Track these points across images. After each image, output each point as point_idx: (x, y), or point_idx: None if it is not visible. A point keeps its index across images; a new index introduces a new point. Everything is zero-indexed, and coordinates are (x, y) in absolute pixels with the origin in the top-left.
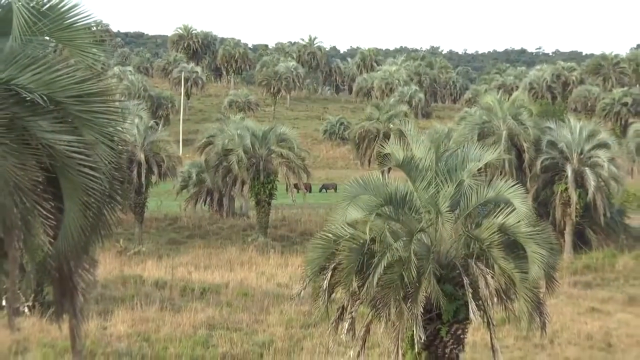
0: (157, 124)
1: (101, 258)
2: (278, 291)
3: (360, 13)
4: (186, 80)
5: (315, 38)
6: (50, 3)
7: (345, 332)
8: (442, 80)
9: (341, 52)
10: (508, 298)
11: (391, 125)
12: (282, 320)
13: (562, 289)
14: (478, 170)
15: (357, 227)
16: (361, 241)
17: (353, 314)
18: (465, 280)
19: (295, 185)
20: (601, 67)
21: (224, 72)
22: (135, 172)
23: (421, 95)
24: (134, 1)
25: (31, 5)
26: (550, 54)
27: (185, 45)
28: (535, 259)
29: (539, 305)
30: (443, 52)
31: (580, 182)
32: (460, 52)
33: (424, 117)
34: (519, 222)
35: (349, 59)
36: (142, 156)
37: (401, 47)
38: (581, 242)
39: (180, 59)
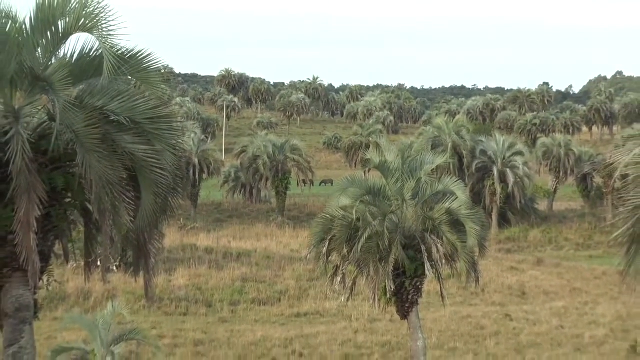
0: (207, 138)
1: (167, 232)
2: (291, 255)
3: (349, 60)
4: (227, 107)
5: (317, 77)
6: (131, 53)
7: (338, 283)
8: (406, 107)
9: (336, 87)
10: (453, 260)
11: (371, 139)
12: (294, 275)
13: (490, 254)
14: (431, 170)
15: (347, 210)
16: (350, 220)
17: (344, 271)
18: (423, 247)
19: (304, 181)
20: (518, 98)
21: (254, 102)
22: (191, 171)
23: (391, 118)
24: (191, 50)
25: (118, 54)
26: (482, 89)
27: (227, 82)
28: (472, 233)
29: (474, 265)
30: (407, 88)
31: (503, 179)
32: (419, 88)
33: (393, 133)
34: (460, 206)
35: (340, 92)
36: (196, 160)
37: (377, 84)
38: (504, 221)
39: (223, 92)
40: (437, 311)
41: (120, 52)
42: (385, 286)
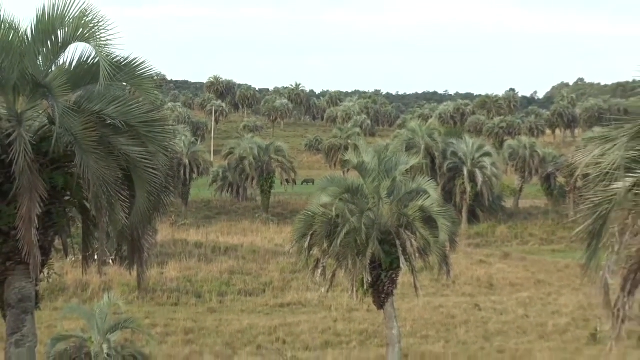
0: (197, 140)
1: (160, 227)
2: (275, 249)
3: (329, 68)
4: (215, 111)
5: (299, 84)
6: (126, 61)
7: (319, 276)
8: (382, 112)
9: (317, 93)
10: (425, 254)
11: (349, 141)
12: (278, 268)
13: (460, 248)
14: (406, 170)
15: (327, 208)
16: (330, 216)
17: (324, 264)
18: (398, 242)
19: (287, 180)
20: (486, 103)
21: (240, 107)
22: (182, 171)
23: (369, 121)
24: (182, 58)
25: (113, 62)
26: (453, 95)
27: (215, 89)
28: (443, 228)
29: (445, 259)
30: (383, 93)
31: (472, 178)
32: (394, 93)
33: (370, 136)
34: (432, 204)
35: (321, 98)
36: (186, 161)
37: (355, 90)
38: (473, 217)
39: (212, 98)
40: (411, 301)
41: (115, 60)
42: (363, 278)
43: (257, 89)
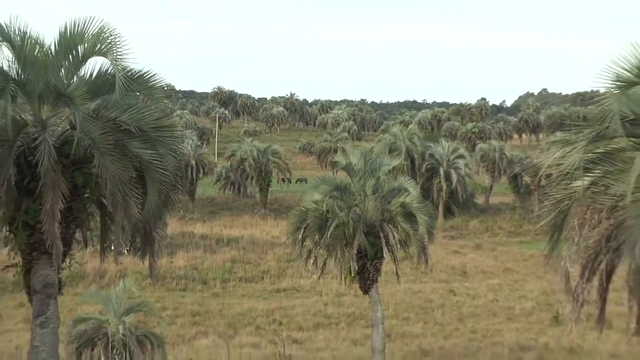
0: (202, 144)
1: (169, 221)
2: (273, 240)
3: (320, 79)
4: (219, 118)
5: (294, 93)
6: (139, 73)
7: (311, 264)
8: (368, 118)
9: (309, 101)
10: (406, 245)
11: (338, 145)
12: (275, 258)
13: (437, 240)
14: (388, 170)
15: (318, 204)
16: (321, 212)
17: (316, 254)
18: (381, 234)
19: (282, 179)
20: (460, 111)
21: (241, 114)
22: (189, 171)
23: (355, 127)
24: (189, 70)
25: (128, 74)
26: (430, 103)
27: (219, 98)
28: (422, 222)
29: (424, 249)
30: (368, 102)
31: (447, 178)
32: (378, 102)
33: (357, 140)
34: (412, 200)
35: (313, 106)
36: (193, 162)
37: (343, 99)
38: (448, 212)
39: (215, 106)
40: (393, 287)
41: (130, 72)
42: (350, 266)
43: (256, 98)
